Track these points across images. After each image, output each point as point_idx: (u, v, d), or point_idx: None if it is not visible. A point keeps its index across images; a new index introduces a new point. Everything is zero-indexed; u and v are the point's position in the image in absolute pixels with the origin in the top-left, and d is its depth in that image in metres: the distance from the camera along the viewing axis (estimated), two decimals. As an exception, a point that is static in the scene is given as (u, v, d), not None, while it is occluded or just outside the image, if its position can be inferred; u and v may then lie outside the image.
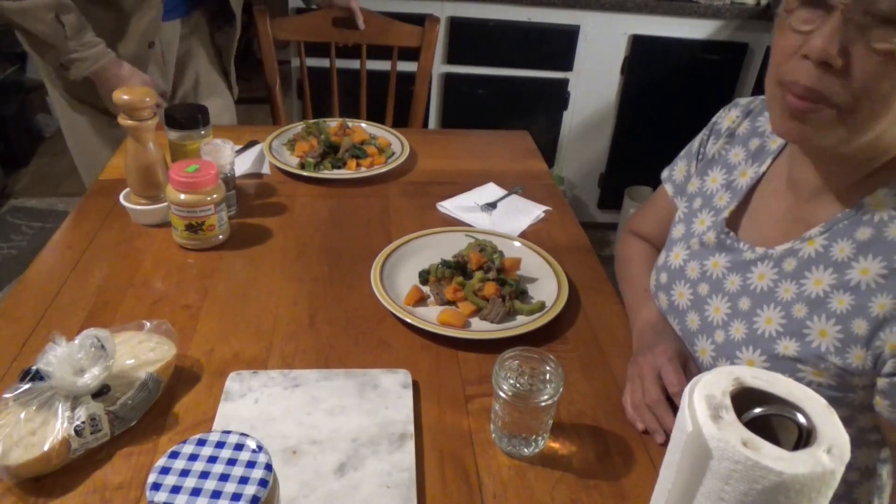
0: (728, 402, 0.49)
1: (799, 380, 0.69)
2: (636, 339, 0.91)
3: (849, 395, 0.70)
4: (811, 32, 0.61)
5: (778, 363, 0.72)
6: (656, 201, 1.06)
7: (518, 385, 0.72)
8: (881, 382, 0.67)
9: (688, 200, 0.93)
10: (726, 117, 0.91)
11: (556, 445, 0.75)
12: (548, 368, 0.73)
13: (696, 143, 0.96)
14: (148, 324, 0.82)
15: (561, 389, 0.71)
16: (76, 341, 0.70)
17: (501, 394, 0.71)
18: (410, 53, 1.89)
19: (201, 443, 0.55)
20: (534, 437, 0.73)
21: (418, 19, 1.84)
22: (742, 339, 0.76)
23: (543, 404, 0.70)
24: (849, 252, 0.69)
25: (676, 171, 0.99)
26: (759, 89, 2.55)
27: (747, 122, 0.88)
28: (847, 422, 0.72)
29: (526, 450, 0.74)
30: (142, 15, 1.42)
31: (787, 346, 0.72)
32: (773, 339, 0.73)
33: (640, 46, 2.51)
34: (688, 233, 0.90)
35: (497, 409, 0.73)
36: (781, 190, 0.79)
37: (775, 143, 0.84)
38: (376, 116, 1.73)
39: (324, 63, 1.88)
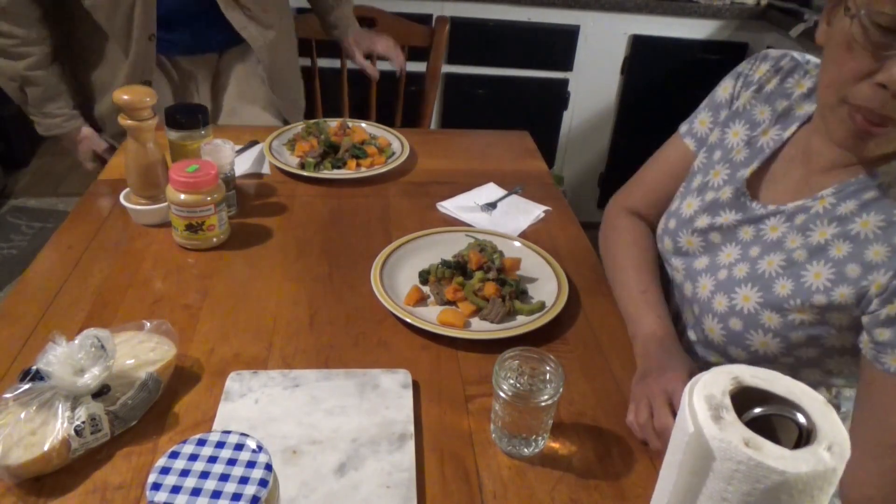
0: (728, 401, 0.49)
1: (784, 317, 0.77)
2: (641, 356, 0.86)
3: (823, 334, 0.76)
4: (887, 59, 0.61)
5: (770, 303, 0.78)
6: (665, 160, 1.02)
7: (518, 385, 0.72)
8: (866, 319, 0.72)
9: (707, 151, 0.93)
10: (757, 69, 0.90)
11: (556, 445, 0.75)
12: (548, 368, 0.73)
13: (720, 91, 0.95)
14: (148, 324, 0.82)
15: (561, 389, 0.71)
16: (76, 341, 0.70)
17: (501, 394, 0.71)
18: (416, 54, 1.89)
19: (201, 443, 0.55)
20: (534, 437, 0.73)
21: (418, 19, 1.84)
22: (743, 277, 0.81)
23: (543, 404, 0.70)
24: (853, 208, 0.74)
25: (697, 123, 0.98)
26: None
27: (776, 79, 0.88)
28: (815, 362, 0.79)
29: (526, 450, 0.74)
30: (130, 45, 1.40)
31: (784, 286, 0.77)
32: (772, 278, 0.78)
33: (640, 46, 2.51)
34: (703, 183, 0.91)
35: (497, 409, 0.73)
36: (798, 157, 0.82)
37: (802, 109, 0.84)
38: (385, 117, 1.74)
39: (334, 63, 1.88)
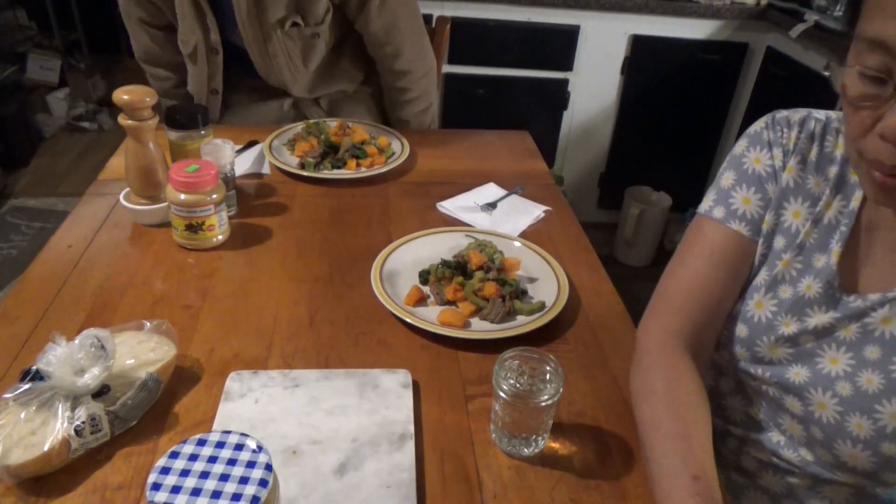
0: None
1: None
2: None
3: None
4: (882, 109, 0.58)
5: None
6: (706, 255, 0.79)
7: (518, 385, 0.72)
8: None
9: (764, 239, 0.77)
10: (788, 137, 0.77)
11: (556, 445, 0.75)
12: (548, 368, 0.73)
13: (751, 163, 0.78)
14: (148, 324, 0.82)
15: (561, 389, 0.71)
16: (76, 341, 0.70)
17: (501, 394, 0.71)
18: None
19: (201, 443, 0.55)
20: (534, 437, 0.73)
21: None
22: (879, 390, 0.67)
23: (543, 404, 0.70)
24: None
25: (740, 202, 0.78)
26: (758, 89, 2.55)
27: (815, 145, 0.76)
28: None
29: (526, 450, 0.74)
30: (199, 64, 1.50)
31: None
32: None
33: (640, 46, 2.51)
34: (771, 278, 0.76)
35: (497, 409, 0.73)
36: (883, 228, 0.71)
37: (855, 174, 0.73)
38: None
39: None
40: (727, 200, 0.79)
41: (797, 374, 0.73)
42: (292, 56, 1.46)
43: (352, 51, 1.57)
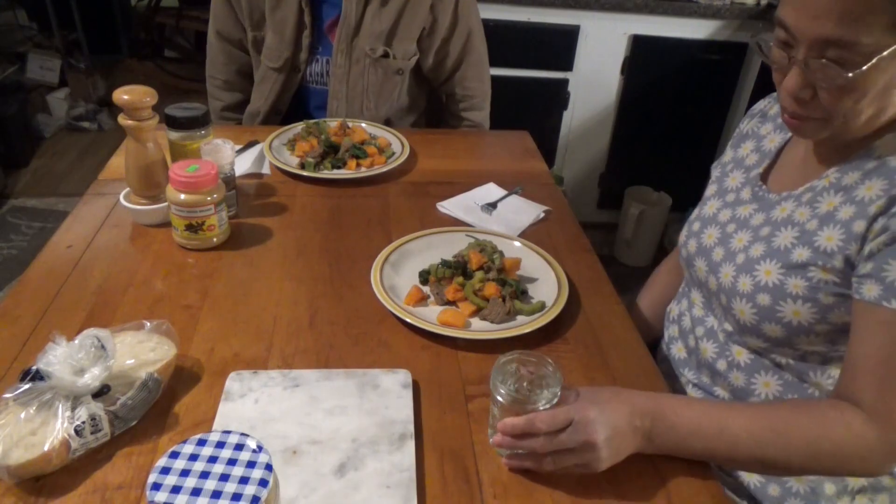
0: None
1: (809, 280, 0.80)
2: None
3: (850, 293, 0.78)
4: (787, 69, 0.77)
5: (792, 270, 0.82)
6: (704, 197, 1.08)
7: (516, 389, 0.71)
8: (859, 259, 0.77)
9: (721, 167, 1.04)
10: (760, 105, 1.04)
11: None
12: (546, 372, 0.73)
13: (735, 134, 1.08)
14: (148, 324, 0.82)
15: (559, 393, 0.71)
16: (76, 341, 0.70)
17: (499, 398, 0.70)
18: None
19: (201, 443, 0.55)
20: None
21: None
22: (761, 255, 0.86)
23: (542, 408, 0.70)
24: (856, 178, 0.80)
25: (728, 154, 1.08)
26: (758, 89, 2.55)
27: (776, 104, 1.00)
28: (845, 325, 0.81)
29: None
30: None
31: (801, 254, 0.81)
32: (789, 249, 0.83)
33: (640, 46, 2.51)
34: (720, 188, 1.00)
35: (495, 413, 0.73)
36: (802, 149, 0.90)
37: None
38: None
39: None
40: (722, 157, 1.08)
41: (717, 253, 0.93)
42: (370, 88, 1.54)
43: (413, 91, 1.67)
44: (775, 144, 0.96)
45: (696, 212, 1.03)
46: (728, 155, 1.05)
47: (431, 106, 1.79)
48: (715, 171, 1.06)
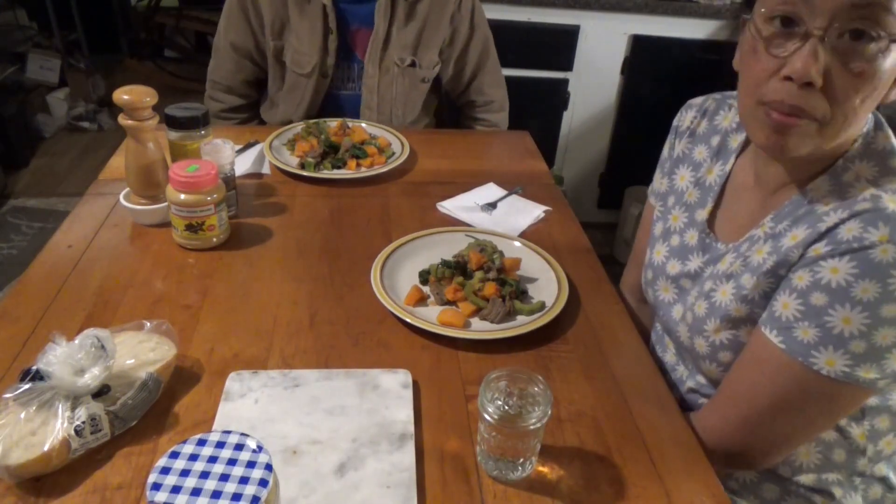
0: None
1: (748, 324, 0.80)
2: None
3: None
4: (790, 56, 0.68)
5: (736, 324, 0.81)
6: (643, 227, 1.07)
7: (506, 407, 0.69)
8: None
9: (661, 199, 1.00)
10: (684, 119, 0.97)
11: (556, 445, 0.75)
12: (536, 390, 0.70)
13: (663, 152, 1.03)
14: (148, 324, 0.82)
15: (550, 412, 0.68)
16: (76, 341, 0.70)
17: (487, 416, 0.67)
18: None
19: (201, 443, 0.55)
20: (521, 460, 0.70)
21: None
22: (704, 314, 0.84)
23: (532, 427, 0.67)
24: (786, 225, 0.77)
25: (655, 183, 1.05)
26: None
27: (705, 121, 0.95)
28: None
29: (512, 474, 0.71)
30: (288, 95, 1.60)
31: (739, 310, 0.80)
32: (727, 306, 0.81)
33: (640, 46, 2.51)
34: (665, 230, 0.97)
35: (482, 431, 0.70)
36: (750, 185, 0.86)
37: (736, 141, 0.90)
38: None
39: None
40: (652, 183, 1.05)
41: (677, 311, 0.90)
42: (398, 96, 1.60)
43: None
44: (715, 180, 0.90)
45: (648, 254, 1.00)
46: (663, 184, 1.00)
47: (440, 111, 1.84)
48: (654, 201, 1.02)
